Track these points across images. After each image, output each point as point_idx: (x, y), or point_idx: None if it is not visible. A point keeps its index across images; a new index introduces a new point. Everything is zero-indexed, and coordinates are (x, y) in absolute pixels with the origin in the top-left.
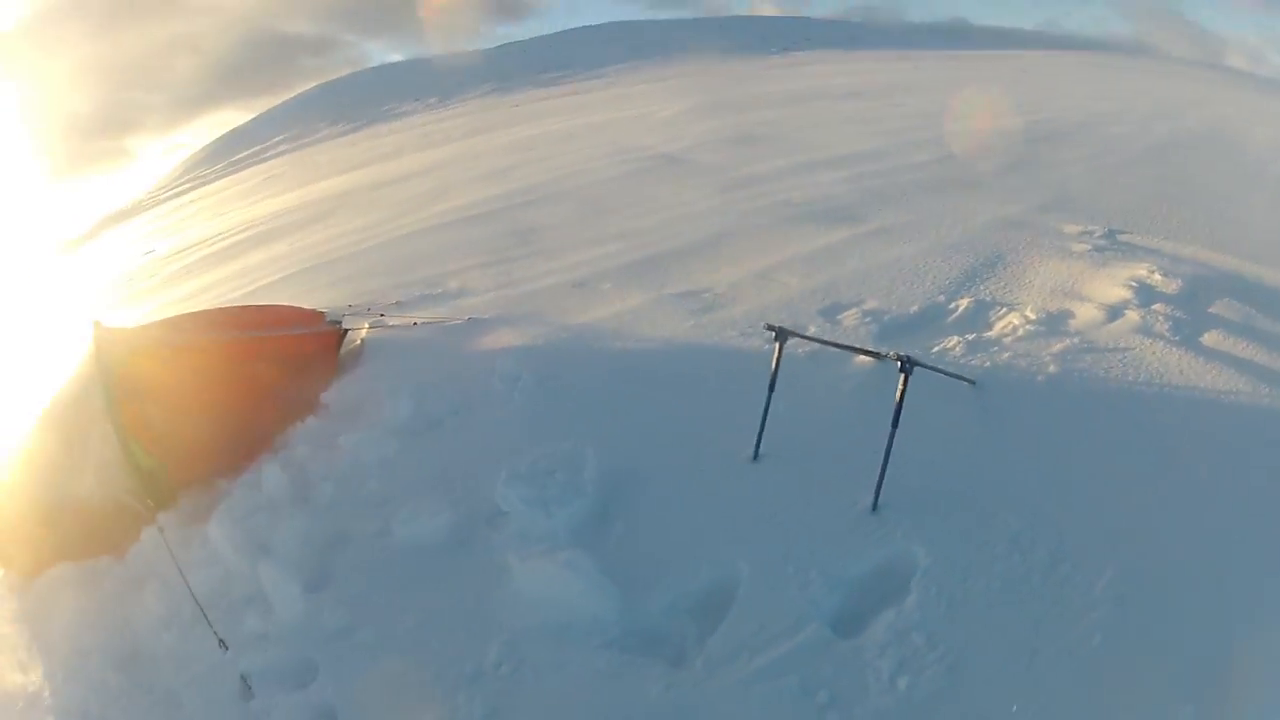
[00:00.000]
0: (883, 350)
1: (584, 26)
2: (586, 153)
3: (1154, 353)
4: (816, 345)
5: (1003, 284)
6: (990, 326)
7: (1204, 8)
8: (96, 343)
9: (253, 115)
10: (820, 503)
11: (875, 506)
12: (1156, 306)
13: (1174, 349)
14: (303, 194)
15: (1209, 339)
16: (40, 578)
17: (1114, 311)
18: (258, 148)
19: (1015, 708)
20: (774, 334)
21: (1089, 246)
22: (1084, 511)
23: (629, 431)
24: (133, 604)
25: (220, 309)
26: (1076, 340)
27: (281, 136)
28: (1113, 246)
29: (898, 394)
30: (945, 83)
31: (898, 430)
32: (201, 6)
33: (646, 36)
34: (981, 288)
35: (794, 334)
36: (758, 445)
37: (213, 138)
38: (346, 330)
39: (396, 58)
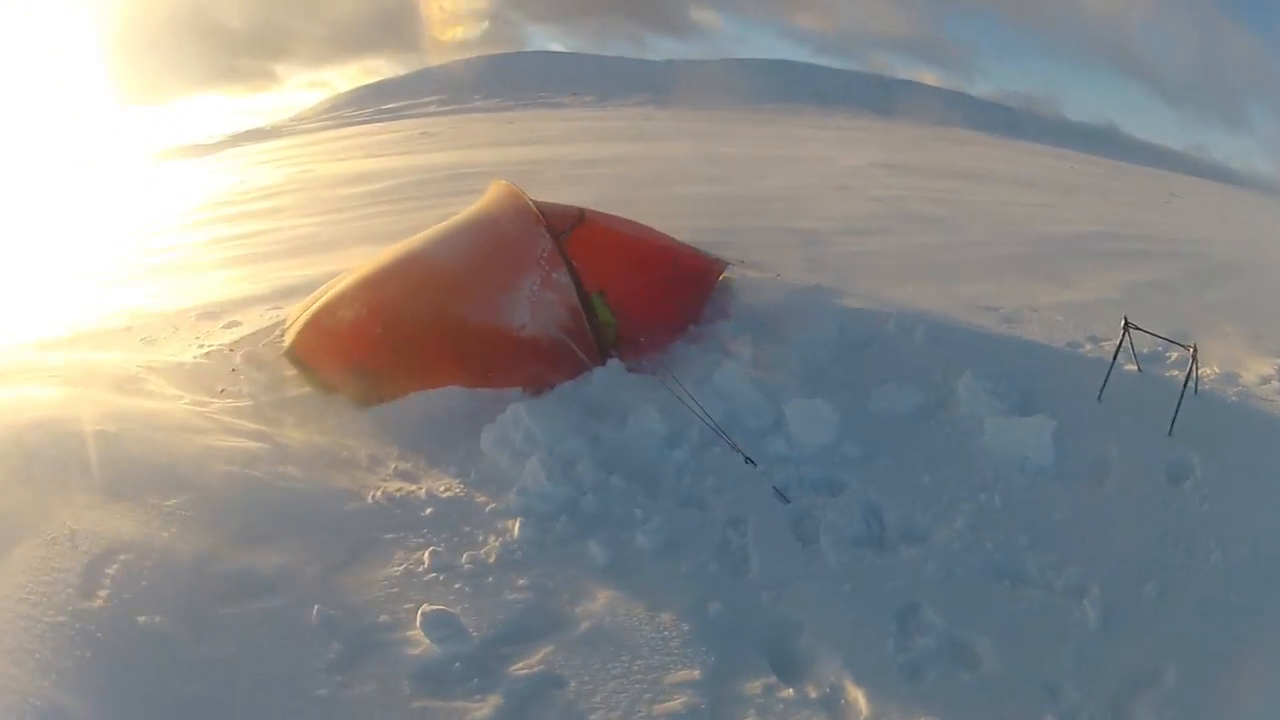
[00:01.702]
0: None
1: (748, 59)
2: (804, 178)
3: None
4: None
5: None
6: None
7: None
8: (520, 198)
9: (405, 69)
10: None
11: None
12: None
13: None
14: (467, 154)
15: None
16: (434, 393)
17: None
18: (409, 102)
19: None
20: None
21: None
22: None
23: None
24: (611, 426)
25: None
26: None
27: (435, 98)
28: None
29: None
30: (1103, 189)
31: None
32: None
33: (808, 80)
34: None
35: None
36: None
37: (361, 83)
38: (727, 265)
39: (557, 47)
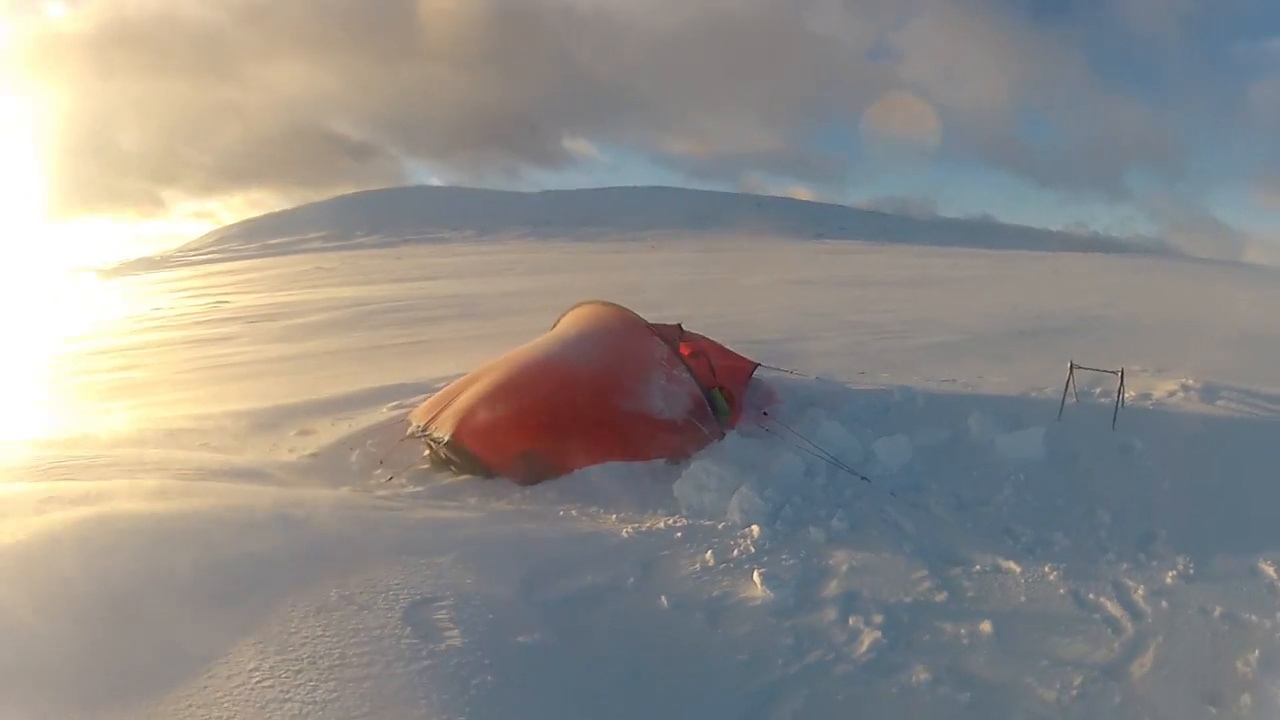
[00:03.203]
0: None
1: (624, 187)
2: (730, 299)
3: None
4: None
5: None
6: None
7: (1225, 205)
8: (630, 314)
9: (288, 203)
10: None
11: None
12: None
13: (1207, 407)
14: (379, 289)
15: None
16: (598, 467)
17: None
18: (295, 237)
19: None
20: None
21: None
22: None
23: None
24: (762, 471)
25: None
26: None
27: (319, 233)
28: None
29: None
30: (990, 279)
31: None
32: (258, 82)
33: (686, 204)
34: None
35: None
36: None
37: (245, 215)
38: (757, 365)
39: (436, 182)
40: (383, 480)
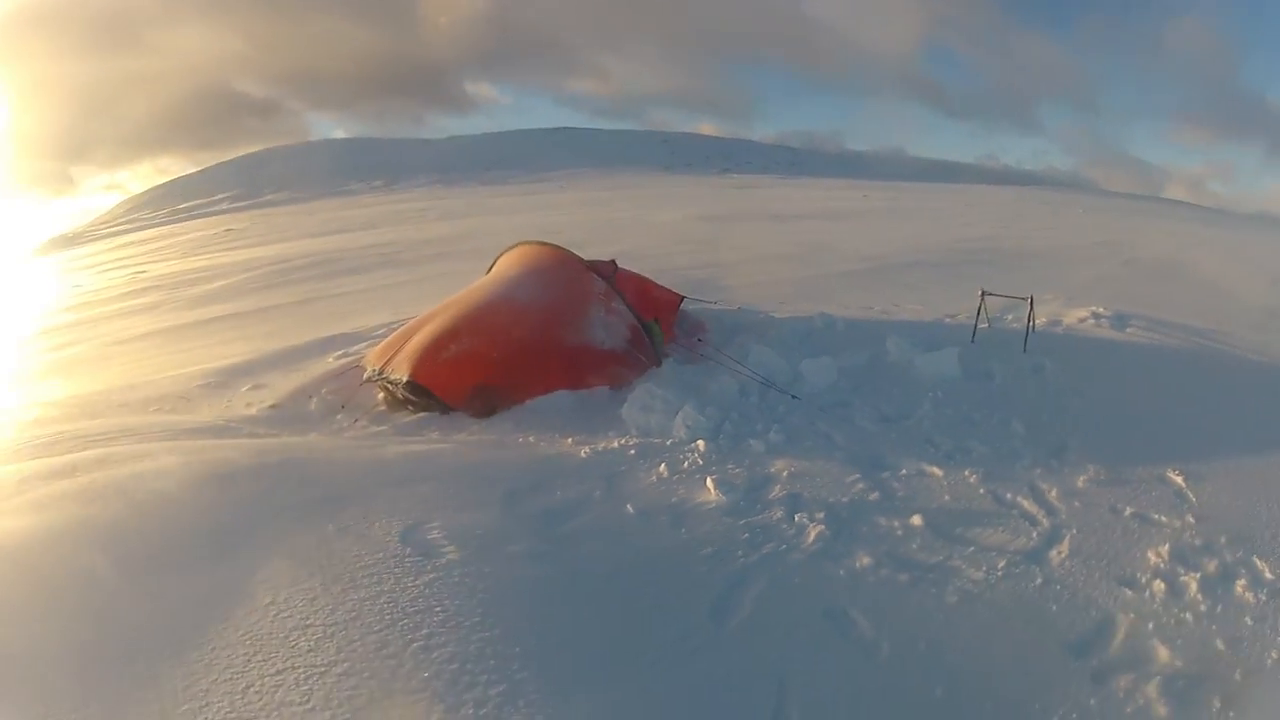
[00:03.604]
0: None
1: (529, 129)
2: (648, 236)
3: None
4: None
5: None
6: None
7: (1145, 142)
8: (566, 252)
9: (195, 166)
10: None
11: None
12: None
13: (1116, 333)
14: (286, 248)
15: (1129, 331)
16: (546, 397)
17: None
18: (202, 200)
19: None
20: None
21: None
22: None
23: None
24: (700, 391)
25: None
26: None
27: (227, 194)
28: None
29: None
30: (902, 211)
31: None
32: (161, 48)
33: (592, 145)
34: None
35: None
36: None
37: (154, 183)
38: (684, 298)
39: (340, 134)
40: (345, 424)
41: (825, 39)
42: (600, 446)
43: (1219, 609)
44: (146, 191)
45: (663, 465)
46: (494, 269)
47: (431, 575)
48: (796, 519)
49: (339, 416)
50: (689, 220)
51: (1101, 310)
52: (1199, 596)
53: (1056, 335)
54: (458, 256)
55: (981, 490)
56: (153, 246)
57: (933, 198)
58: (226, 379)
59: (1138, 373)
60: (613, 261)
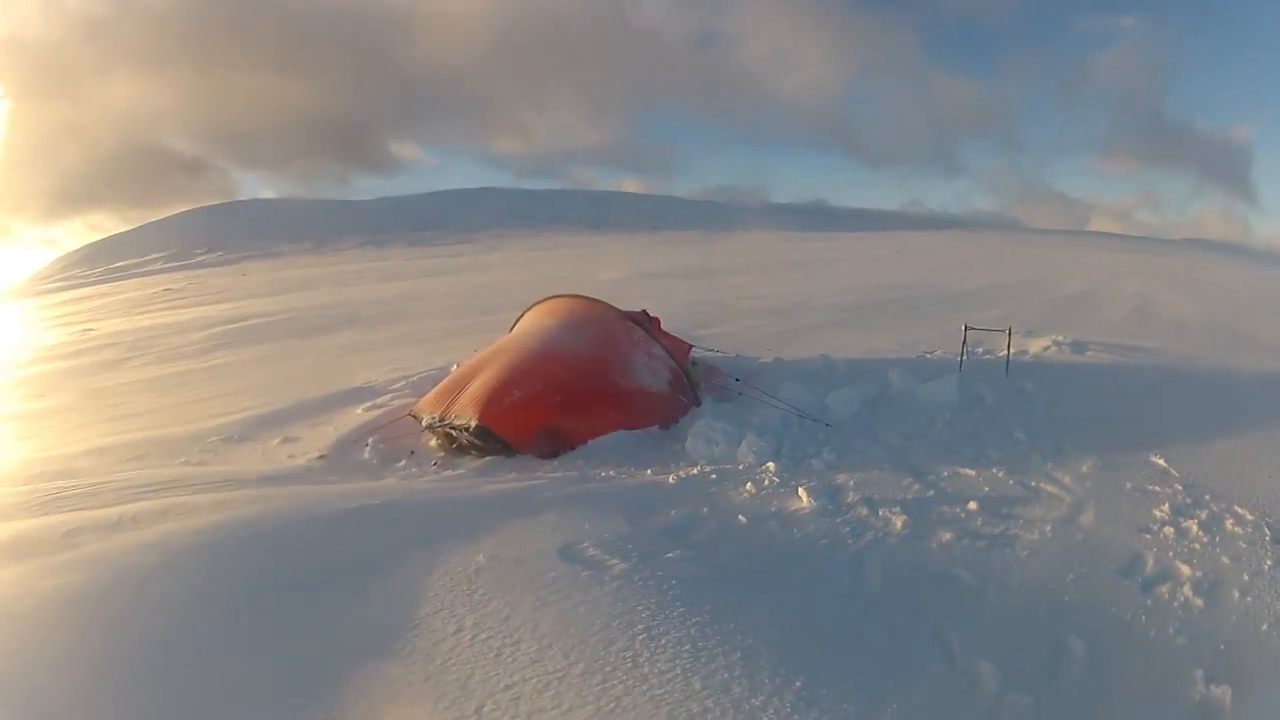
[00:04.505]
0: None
1: (455, 189)
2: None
3: (1070, 357)
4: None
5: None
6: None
7: (1070, 176)
8: (603, 304)
9: (126, 224)
10: None
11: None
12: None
13: (1078, 357)
14: (233, 308)
15: (1089, 355)
16: (605, 437)
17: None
18: (136, 260)
19: None
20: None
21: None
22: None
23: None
24: (745, 423)
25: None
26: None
27: (160, 254)
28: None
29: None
30: (838, 260)
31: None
32: (95, 100)
33: (518, 204)
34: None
35: (974, 328)
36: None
37: (87, 240)
38: (692, 346)
39: (268, 194)
40: (415, 470)
41: (745, 91)
42: (682, 474)
43: (1218, 539)
44: (81, 249)
45: (749, 484)
46: (525, 321)
47: (614, 583)
48: (880, 513)
49: (401, 463)
50: (635, 278)
51: (1061, 339)
52: (1200, 533)
53: (1027, 363)
54: (416, 317)
55: (1011, 481)
56: (95, 304)
57: (863, 246)
58: (245, 432)
59: (1104, 386)
60: (644, 311)
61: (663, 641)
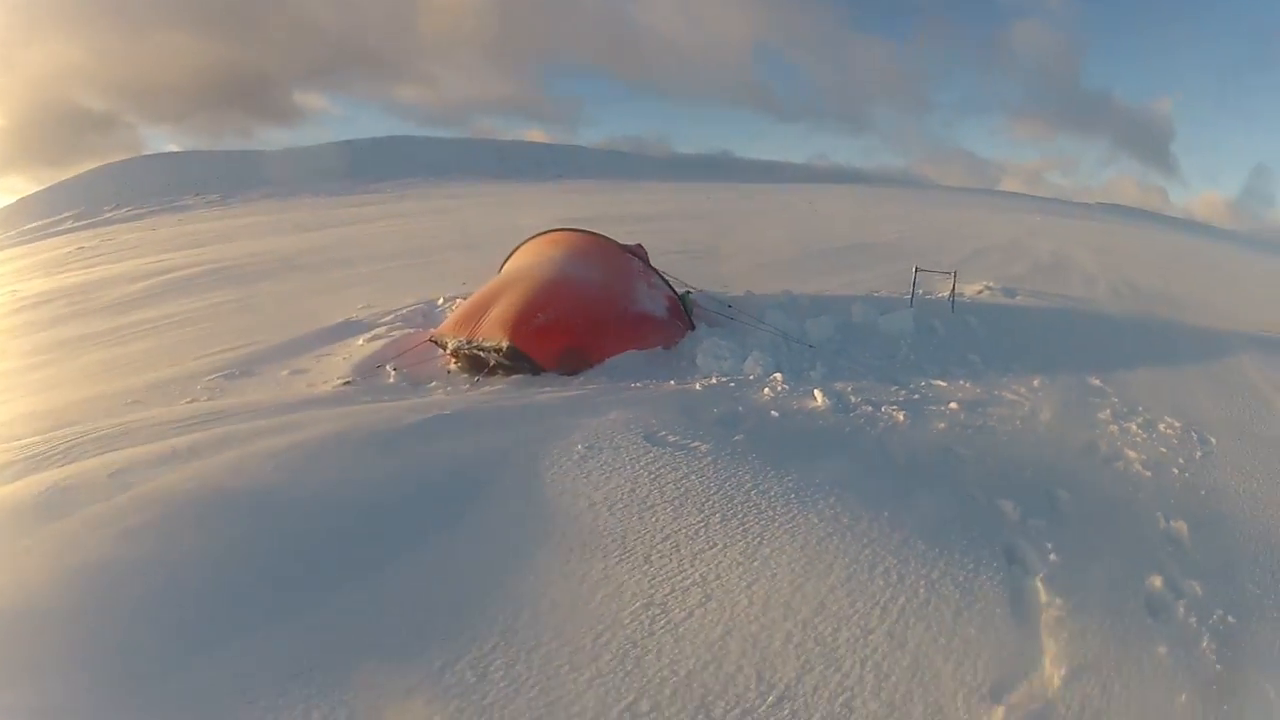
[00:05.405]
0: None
1: (360, 139)
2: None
3: (1003, 300)
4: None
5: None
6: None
7: (980, 138)
8: (602, 237)
9: (39, 184)
10: None
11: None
12: (995, 290)
13: (1010, 300)
14: (153, 262)
15: (1019, 299)
16: (619, 356)
17: (991, 291)
18: (48, 220)
19: None
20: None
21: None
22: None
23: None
24: (746, 341)
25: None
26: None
27: (70, 213)
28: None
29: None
30: (752, 212)
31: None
32: (9, 62)
33: (423, 153)
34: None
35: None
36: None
37: (3, 204)
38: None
39: (173, 148)
40: (448, 387)
41: (652, 45)
42: (703, 384)
43: (1154, 436)
44: None
45: (765, 390)
46: (526, 254)
47: (707, 458)
48: (883, 410)
49: (434, 384)
50: (557, 222)
51: (992, 284)
52: (1140, 431)
53: (966, 303)
54: (360, 261)
55: (978, 390)
56: (11, 267)
57: (771, 198)
58: (245, 368)
59: (1036, 324)
60: (639, 245)
61: (770, 495)
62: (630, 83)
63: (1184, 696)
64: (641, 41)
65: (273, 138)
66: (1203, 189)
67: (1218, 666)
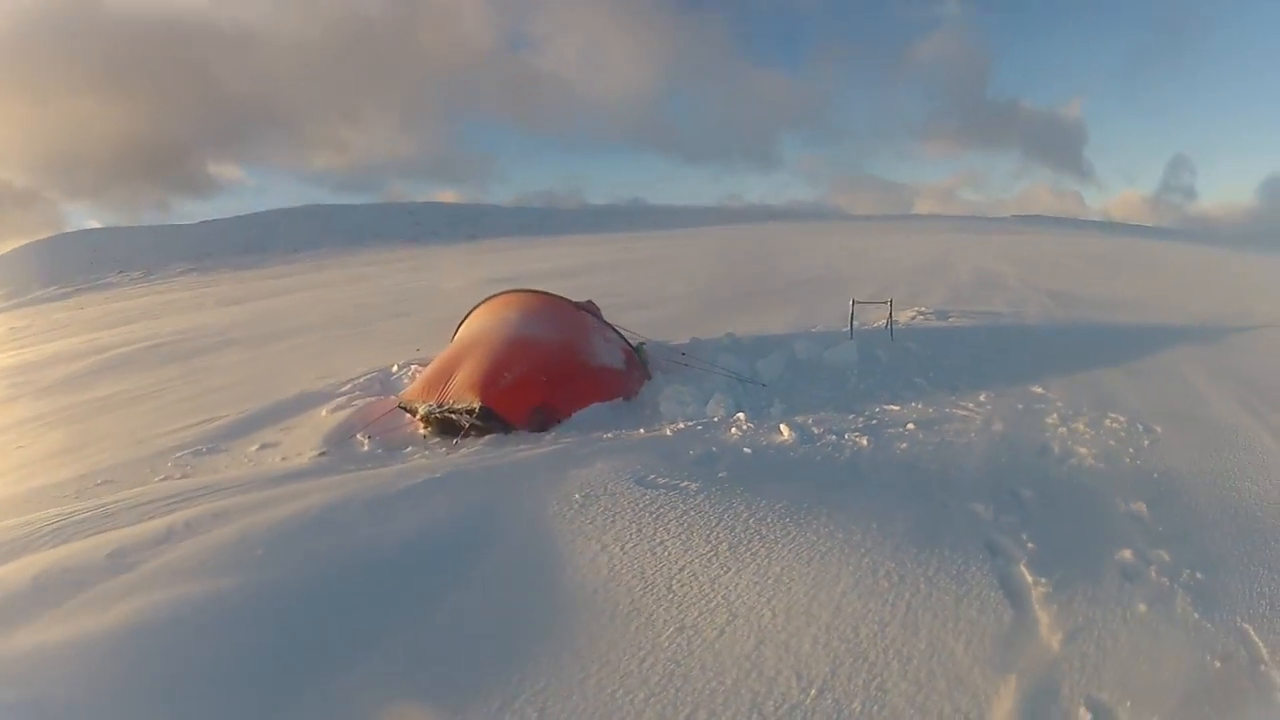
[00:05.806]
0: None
1: (277, 209)
2: (453, 304)
3: (937, 323)
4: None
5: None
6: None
7: (890, 162)
8: (551, 296)
9: None
10: None
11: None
12: (928, 315)
13: (943, 323)
14: (83, 342)
15: (951, 321)
16: (585, 410)
17: (924, 315)
18: None
19: None
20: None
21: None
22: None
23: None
24: (699, 388)
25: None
26: (931, 320)
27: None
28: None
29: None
30: (669, 258)
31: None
32: None
33: (339, 220)
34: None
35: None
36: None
37: None
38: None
39: (94, 223)
40: (425, 451)
41: (555, 93)
42: (672, 429)
43: (1102, 432)
44: None
45: (732, 429)
46: (480, 317)
47: (700, 495)
48: (847, 438)
49: (409, 449)
50: (481, 283)
51: (924, 309)
52: (1087, 429)
53: (902, 329)
54: (295, 333)
55: (930, 410)
56: None
57: (689, 243)
58: (211, 444)
59: (972, 343)
60: (591, 301)
61: (767, 520)
62: (539, 137)
63: (1169, 642)
64: (545, 91)
65: (190, 210)
66: (1120, 188)
67: (1195, 615)
